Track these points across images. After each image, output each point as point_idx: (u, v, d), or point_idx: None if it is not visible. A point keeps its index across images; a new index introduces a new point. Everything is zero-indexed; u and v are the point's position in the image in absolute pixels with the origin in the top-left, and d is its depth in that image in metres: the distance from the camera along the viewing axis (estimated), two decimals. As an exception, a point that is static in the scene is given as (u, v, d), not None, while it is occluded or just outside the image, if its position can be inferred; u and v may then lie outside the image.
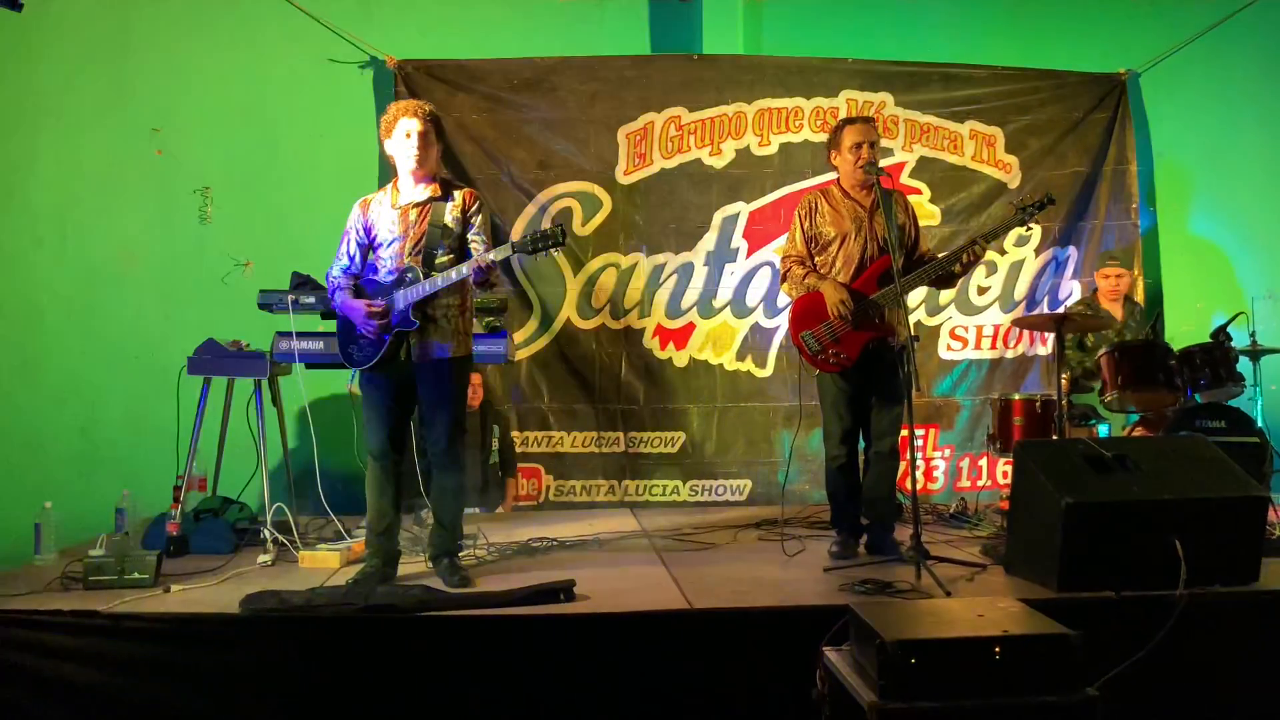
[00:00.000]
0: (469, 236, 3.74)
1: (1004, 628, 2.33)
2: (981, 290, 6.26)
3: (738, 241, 6.07)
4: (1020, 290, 6.28)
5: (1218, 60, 6.30)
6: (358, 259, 3.76)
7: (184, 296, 5.77)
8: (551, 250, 3.45)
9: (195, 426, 4.40)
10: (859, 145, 3.97)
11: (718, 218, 6.07)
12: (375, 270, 3.72)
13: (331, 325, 4.06)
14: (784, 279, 4.09)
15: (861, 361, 3.89)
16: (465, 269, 3.49)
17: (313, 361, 4.28)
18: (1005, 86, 6.25)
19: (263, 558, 3.97)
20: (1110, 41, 6.36)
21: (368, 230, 3.75)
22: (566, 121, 6.06)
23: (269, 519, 4.09)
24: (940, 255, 4.05)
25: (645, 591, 3.42)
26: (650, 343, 6.05)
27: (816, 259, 4.03)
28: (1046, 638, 2.29)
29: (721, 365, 6.07)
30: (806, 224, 4.05)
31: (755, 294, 6.08)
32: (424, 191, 3.73)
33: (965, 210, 6.20)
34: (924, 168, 6.19)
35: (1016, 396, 4.94)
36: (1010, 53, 6.31)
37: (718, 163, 6.09)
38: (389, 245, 3.68)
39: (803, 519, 4.91)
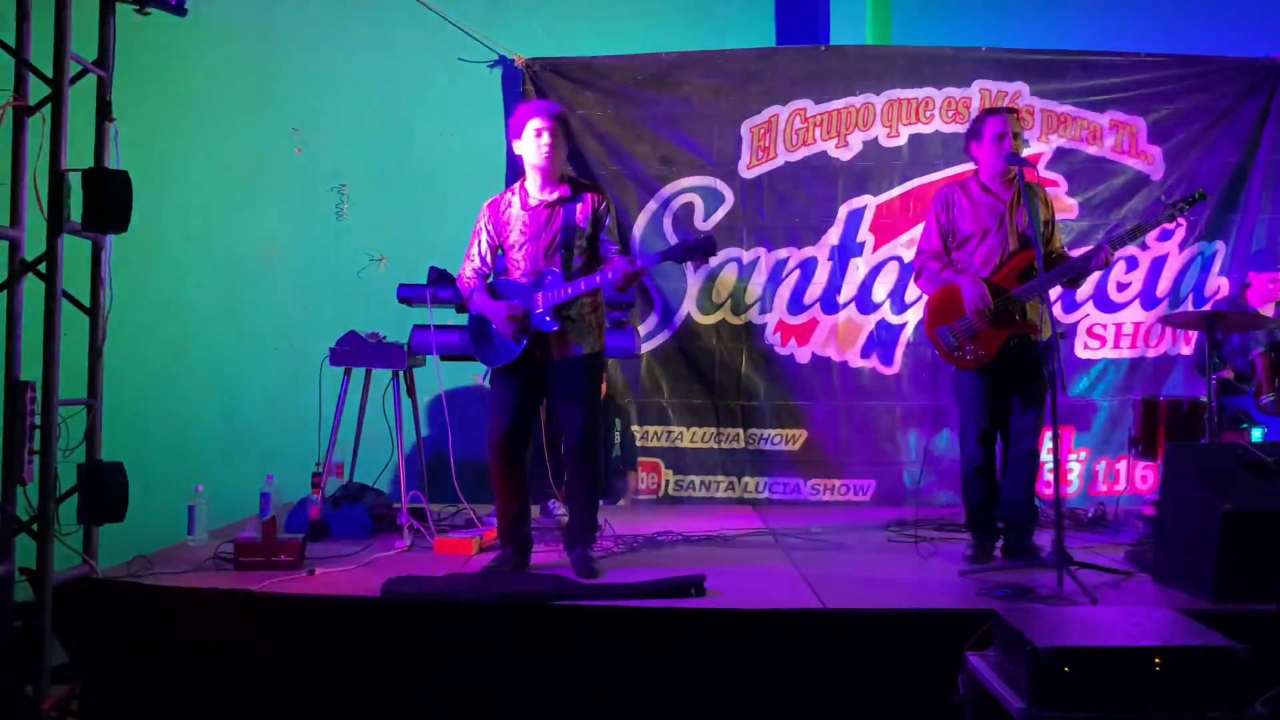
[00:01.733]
0: (600, 237, 3.78)
1: (1163, 638, 2.23)
2: (1121, 286, 6.00)
3: (864, 235, 5.96)
4: (1163, 287, 5.99)
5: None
6: (489, 259, 3.84)
7: (321, 290, 5.99)
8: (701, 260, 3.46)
9: (336, 415, 4.56)
10: (1002, 136, 3.85)
11: (843, 211, 5.97)
12: (507, 270, 3.80)
13: (464, 319, 4.16)
14: (918, 274, 4.01)
15: (1000, 359, 3.78)
16: (611, 274, 3.52)
17: (449, 354, 4.38)
18: (1147, 74, 5.96)
19: (400, 544, 4.10)
20: (1261, 25, 6.01)
21: (499, 231, 3.82)
22: (689, 116, 6.05)
23: (405, 506, 4.21)
24: (1076, 253, 3.90)
25: (775, 589, 3.41)
26: (772, 339, 6.00)
27: (953, 254, 3.94)
28: (1209, 650, 2.19)
29: (845, 362, 5.98)
30: (944, 218, 3.96)
31: (882, 289, 5.96)
32: (554, 192, 3.78)
33: (1105, 203, 5.95)
34: (1061, 159, 5.95)
35: (1162, 398, 4.72)
36: (1152, 39, 6.02)
37: (844, 155, 5.99)
38: (521, 247, 3.75)
39: (932, 521, 4.80)
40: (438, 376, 4.49)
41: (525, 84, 6.04)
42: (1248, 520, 3.00)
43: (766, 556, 4.02)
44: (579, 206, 3.75)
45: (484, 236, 3.85)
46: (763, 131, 6.02)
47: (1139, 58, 5.96)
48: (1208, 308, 5.39)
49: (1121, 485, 5.92)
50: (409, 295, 4.40)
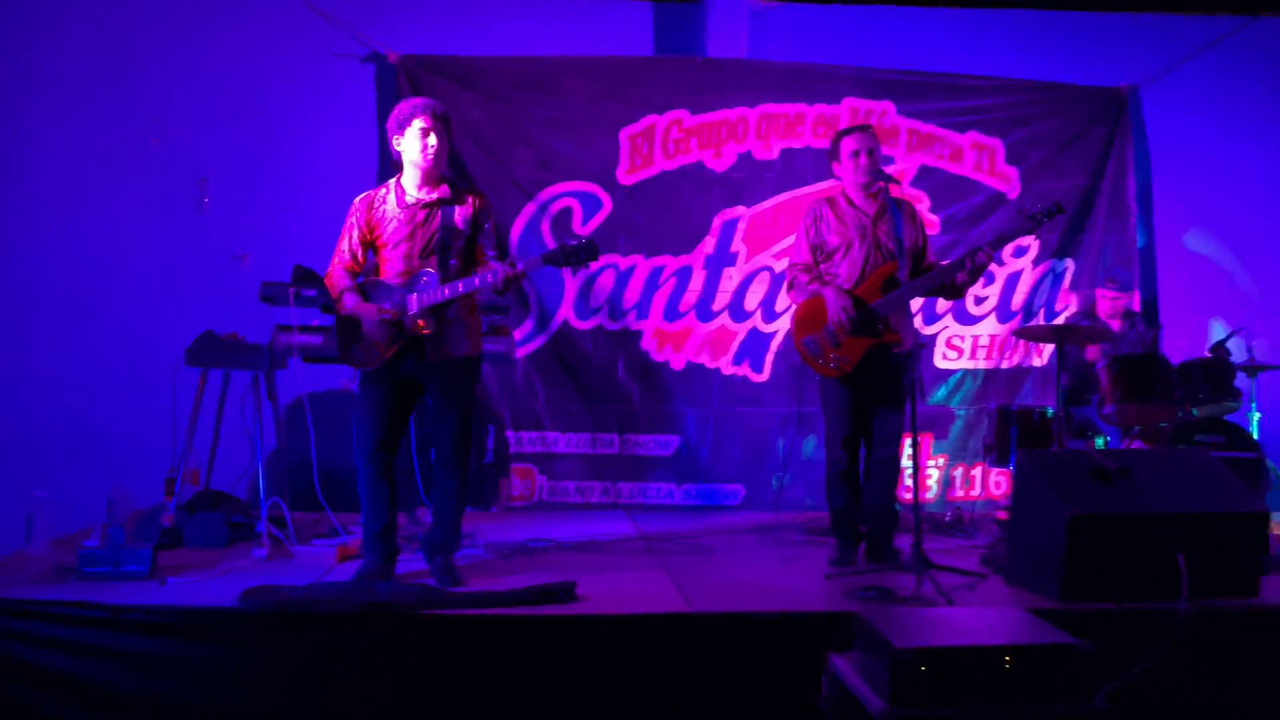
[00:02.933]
0: (479, 241, 3.72)
1: (1014, 637, 2.33)
2: (978, 300, 6.27)
3: (737, 245, 6.07)
4: (1017, 301, 6.29)
5: (1218, 77, 6.33)
6: (360, 256, 3.73)
7: (178, 286, 5.71)
8: (582, 265, 3.45)
9: (190, 419, 4.36)
10: (857, 153, 3.98)
11: (718, 222, 6.06)
12: (378, 269, 3.70)
13: (329, 319, 4.03)
14: (789, 285, 4.10)
15: (863, 367, 3.89)
16: (490, 277, 3.47)
17: (313, 356, 4.24)
18: (1006, 98, 6.26)
19: (259, 553, 3.94)
20: (1112, 55, 6.39)
21: (372, 227, 3.72)
22: (569, 121, 6.04)
23: (265, 513, 4.06)
24: (944, 263, 4.05)
25: (646, 595, 3.42)
26: (648, 345, 6.03)
27: (821, 265, 4.04)
28: (1057, 648, 2.29)
29: (718, 369, 6.07)
30: (812, 232, 4.06)
31: (753, 299, 6.07)
32: (433, 192, 3.70)
33: (965, 220, 6.21)
34: (925, 176, 6.19)
35: (1015, 407, 4.95)
36: (1012, 64, 6.33)
37: (719, 166, 6.08)
38: (395, 246, 3.66)
39: (800, 525, 4.90)
40: (300, 379, 4.34)
41: (400, 80, 5.92)
42: (1091, 524, 3.16)
43: (638, 562, 4.03)
44: (459, 209, 3.68)
45: (355, 233, 3.73)
46: (641, 139, 6.05)
47: (998, 81, 6.26)
48: (1059, 321, 5.66)
49: (977, 490, 6.19)
50: (271, 293, 4.24)
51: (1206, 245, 4.26)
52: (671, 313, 6.04)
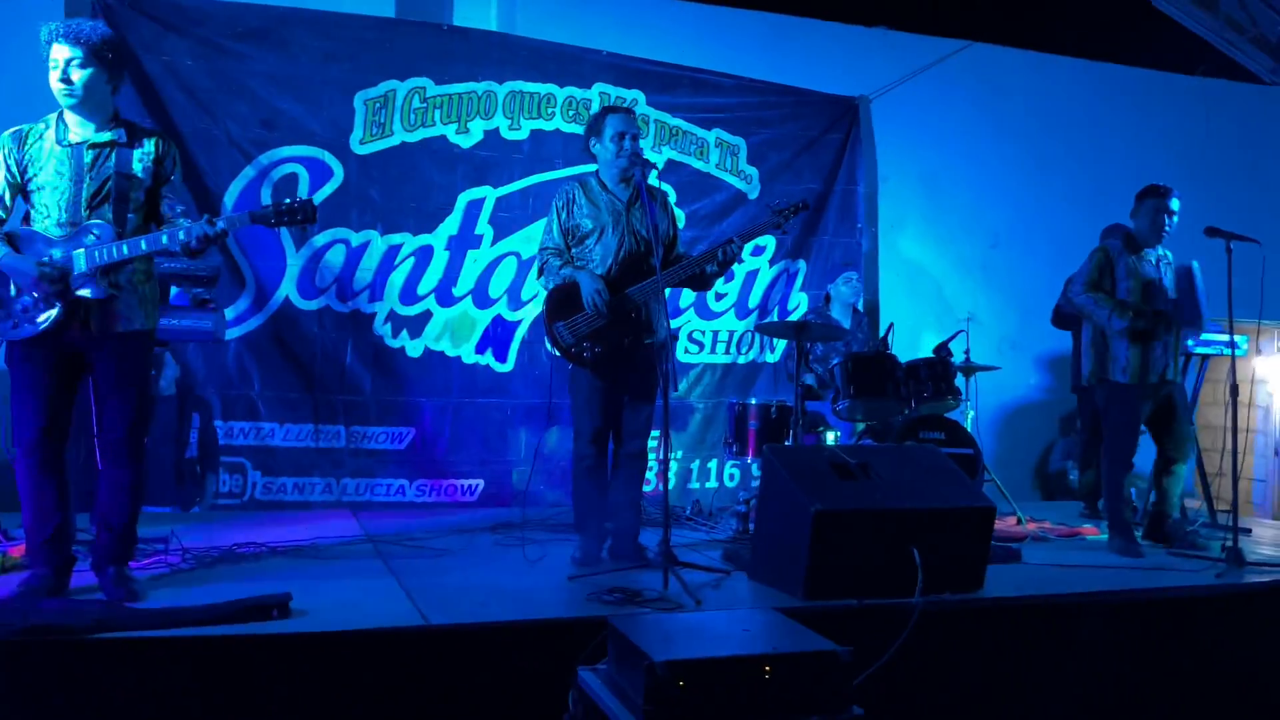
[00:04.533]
0: (162, 192, 3.20)
1: (773, 644, 2.22)
2: (719, 296, 6.33)
3: (483, 228, 5.76)
4: (755, 298, 6.42)
5: (938, 95, 6.75)
6: (8, 201, 3.10)
7: None
8: (298, 226, 3.01)
9: None
10: (622, 135, 3.82)
11: (462, 200, 5.73)
12: (30, 218, 3.09)
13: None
14: (540, 271, 3.87)
15: (616, 357, 3.73)
16: (183, 234, 2.97)
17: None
18: (750, 98, 6.37)
19: (-119, 568, 3.21)
20: (847, 66, 6.66)
21: (22, 168, 3.10)
22: (297, 79, 5.48)
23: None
24: (697, 253, 3.98)
25: (373, 606, 3.06)
26: (381, 329, 5.60)
27: (573, 250, 3.84)
28: (815, 655, 2.20)
29: (459, 358, 5.74)
30: (564, 215, 3.86)
31: (499, 284, 5.80)
32: (105, 132, 3.13)
33: (709, 217, 6.25)
34: (671, 170, 6.14)
35: (754, 401, 5.00)
36: (756, 67, 6.43)
37: (464, 142, 5.75)
38: (54, 189, 3.06)
39: (541, 521, 4.69)
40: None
41: (94, 16, 5.12)
42: (834, 519, 3.16)
43: (364, 568, 3.65)
44: (137, 152, 3.14)
45: (2, 173, 3.09)
46: (378, 106, 5.61)
47: (743, 82, 6.35)
48: (807, 318, 5.76)
49: (713, 483, 6.25)
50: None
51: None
52: (409, 295, 5.65)
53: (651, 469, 4.44)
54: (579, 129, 5.96)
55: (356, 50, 5.57)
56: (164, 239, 3.00)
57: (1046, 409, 7.09)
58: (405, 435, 5.63)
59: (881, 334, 4.99)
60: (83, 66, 3.03)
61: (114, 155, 3.09)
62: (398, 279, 5.62)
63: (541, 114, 5.92)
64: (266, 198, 5.35)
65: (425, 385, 5.66)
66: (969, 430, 4.84)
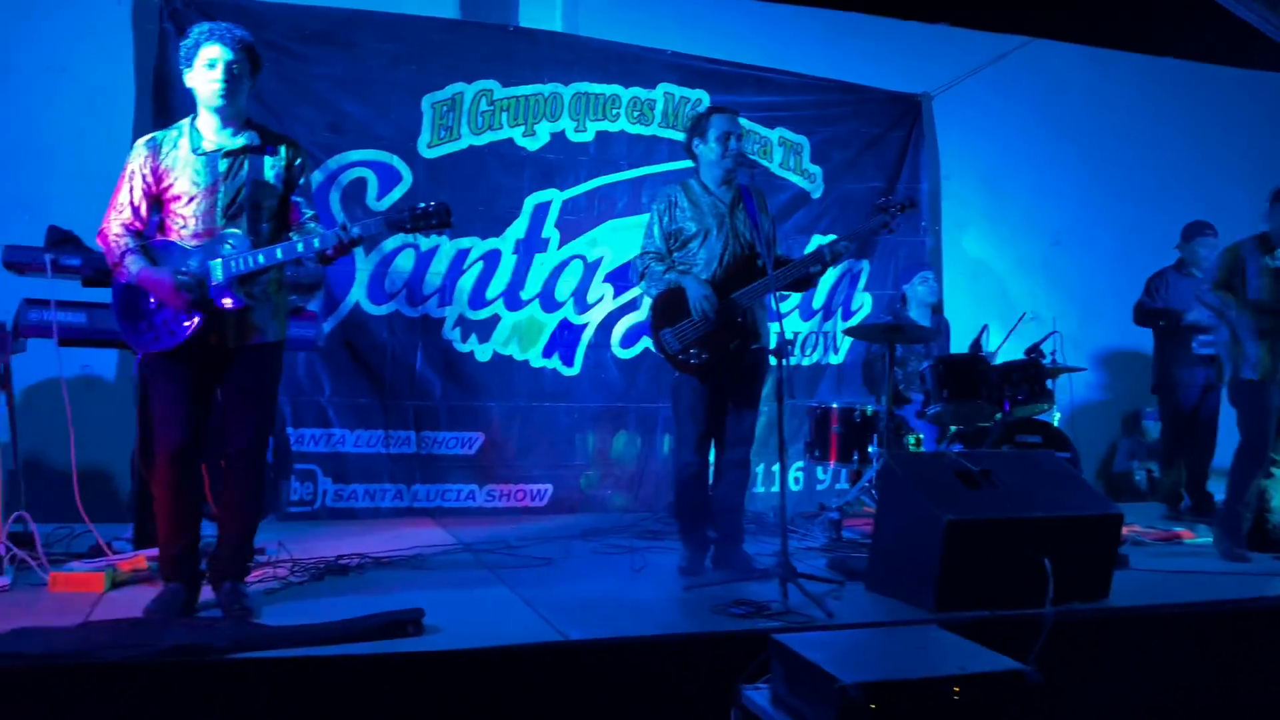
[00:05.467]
0: (293, 199, 3.16)
1: (960, 664, 2.16)
2: (782, 298, 6.23)
3: (549, 231, 5.70)
4: (819, 299, 6.35)
5: (999, 92, 6.68)
6: (144, 212, 3.05)
7: None
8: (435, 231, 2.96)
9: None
10: (727, 135, 3.75)
11: (529, 204, 5.67)
12: (169, 229, 3.04)
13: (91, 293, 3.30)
14: (642, 276, 3.81)
15: (722, 363, 3.67)
16: (318, 243, 2.92)
17: (76, 337, 3.46)
18: (813, 96, 6.30)
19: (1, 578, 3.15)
20: (909, 63, 6.58)
21: (158, 177, 3.05)
22: (364, 82, 5.43)
23: (4, 530, 3.26)
24: (805, 255, 3.92)
25: (501, 621, 3.01)
26: (451, 334, 5.54)
27: (674, 254, 3.78)
28: (1005, 676, 2.14)
29: (527, 362, 5.68)
30: (665, 219, 3.79)
31: (565, 288, 5.74)
32: (238, 138, 3.09)
33: (774, 217, 6.15)
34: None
35: (836, 405, 4.93)
36: (818, 64, 6.36)
37: (531, 144, 5.69)
38: (191, 200, 3.01)
39: (628, 528, 4.64)
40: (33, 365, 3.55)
41: (162, 23, 5.09)
42: (967, 529, 3.09)
43: (473, 578, 3.59)
44: (269, 159, 3.10)
45: (138, 182, 3.03)
46: (446, 109, 5.55)
47: (805, 79, 6.27)
48: (884, 319, 5.67)
49: (775, 487, 6.17)
50: (21, 260, 3.40)
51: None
52: (478, 299, 5.59)
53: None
54: (644, 130, 5.91)
55: (423, 52, 5.51)
56: (299, 247, 2.95)
57: (1108, 408, 7.02)
58: (475, 440, 5.57)
59: (975, 336, 4.91)
60: (239, 67, 3.00)
61: (247, 163, 3.05)
62: (466, 283, 5.56)
63: (606, 115, 5.86)
64: (335, 202, 5.31)
65: (494, 390, 5.61)
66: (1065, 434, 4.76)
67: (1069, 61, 7.00)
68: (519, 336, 5.65)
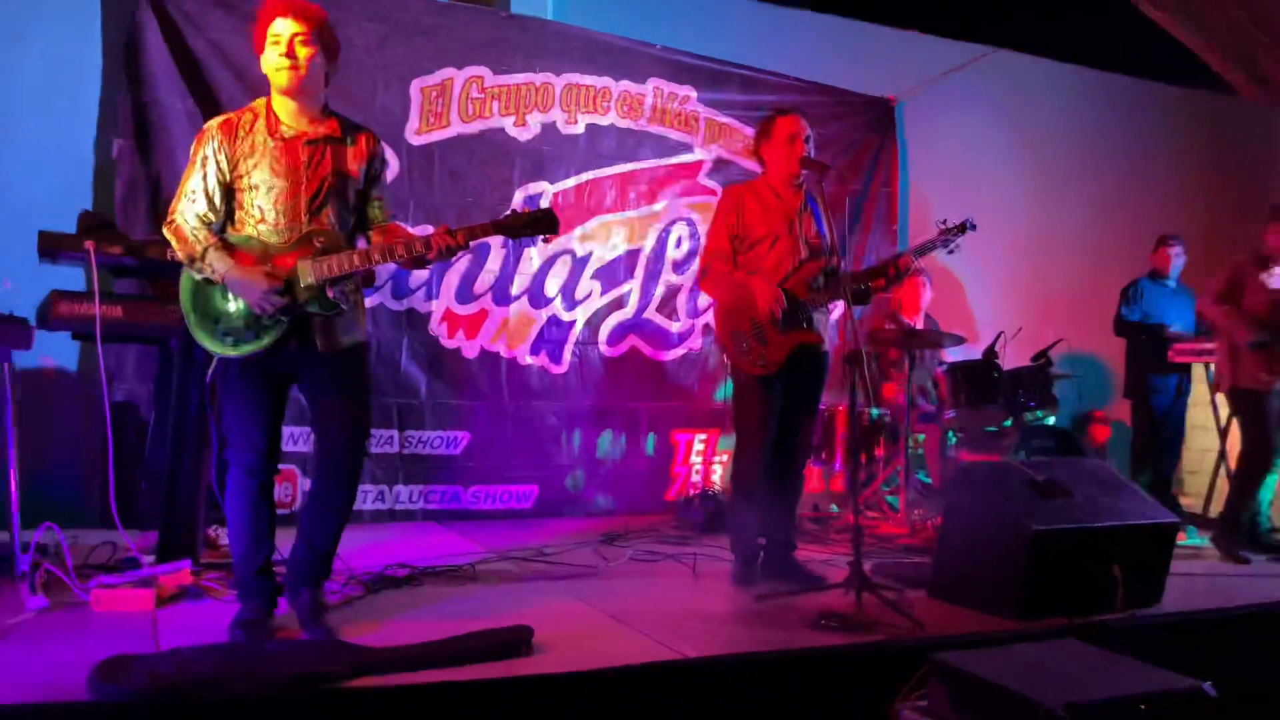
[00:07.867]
0: (371, 194, 2.95)
1: (1144, 682, 2.18)
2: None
3: (540, 224, 5.52)
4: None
5: (965, 100, 6.83)
6: (218, 201, 2.78)
7: None
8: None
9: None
10: (794, 137, 3.71)
11: (519, 196, 5.48)
12: (241, 221, 2.79)
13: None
14: (703, 274, 3.72)
15: (787, 367, 3.62)
16: (420, 246, 2.73)
17: (116, 335, 3.13)
18: (798, 98, 6.25)
19: (34, 603, 2.83)
20: (881, 67, 6.66)
21: (232, 164, 2.78)
22: (348, 63, 5.02)
23: (33, 542, 2.93)
24: (873, 265, 3.92)
25: (599, 637, 2.88)
26: (437, 329, 5.32)
27: (739, 257, 3.71)
28: (1187, 694, 2.17)
29: (515, 359, 5.50)
30: (733, 219, 3.71)
31: (554, 283, 5.59)
32: (319, 125, 2.86)
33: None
34: (719, 169, 6.05)
35: (842, 408, 4.96)
36: (798, 65, 6.37)
37: (522, 135, 5.51)
38: (269, 189, 2.77)
39: (647, 530, 4.57)
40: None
41: (142, -10, 4.70)
42: (1051, 539, 3.15)
43: (543, 590, 3.42)
44: (350, 150, 2.88)
45: (212, 168, 2.76)
46: (435, 94, 5.32)
47: (791, 80, 6.27)
48: (889, 326, 5.70)
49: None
50: (56, 246, 3.05)
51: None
52: (465, 294, 5.38)
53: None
54: (632, 124, 5.79)
55: (411, 34, 5.26)
56: (400, 250, 2.74)
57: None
58: (460, 440, 5.37)
59: (993, 342, 5.00)
60: (307, 43, 2.75)
61: (329, 152, 2.81)
62: (454, 277, 5.35)
63: (597, 108, 5.73)
64: (321, 187, 5.02)
65: (481, 388, 5.42)
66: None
67: (1031, 72, 7.23)
68: (507, 333, 5.47)
